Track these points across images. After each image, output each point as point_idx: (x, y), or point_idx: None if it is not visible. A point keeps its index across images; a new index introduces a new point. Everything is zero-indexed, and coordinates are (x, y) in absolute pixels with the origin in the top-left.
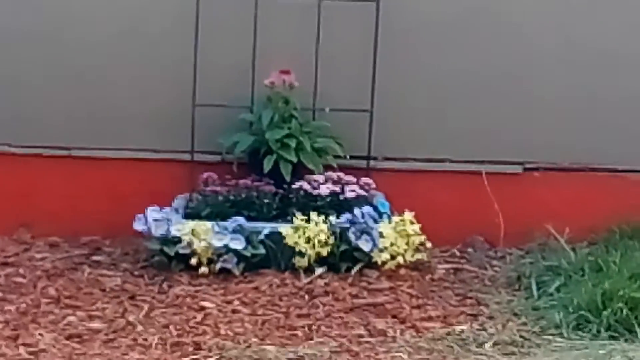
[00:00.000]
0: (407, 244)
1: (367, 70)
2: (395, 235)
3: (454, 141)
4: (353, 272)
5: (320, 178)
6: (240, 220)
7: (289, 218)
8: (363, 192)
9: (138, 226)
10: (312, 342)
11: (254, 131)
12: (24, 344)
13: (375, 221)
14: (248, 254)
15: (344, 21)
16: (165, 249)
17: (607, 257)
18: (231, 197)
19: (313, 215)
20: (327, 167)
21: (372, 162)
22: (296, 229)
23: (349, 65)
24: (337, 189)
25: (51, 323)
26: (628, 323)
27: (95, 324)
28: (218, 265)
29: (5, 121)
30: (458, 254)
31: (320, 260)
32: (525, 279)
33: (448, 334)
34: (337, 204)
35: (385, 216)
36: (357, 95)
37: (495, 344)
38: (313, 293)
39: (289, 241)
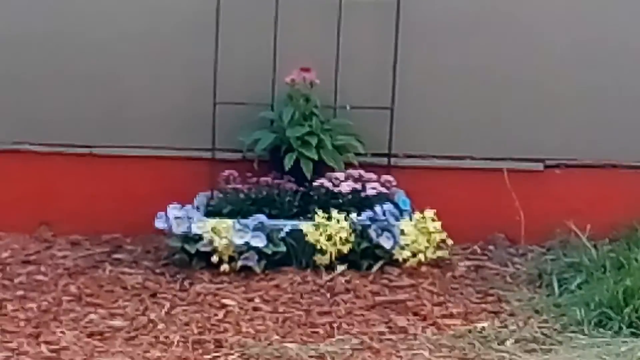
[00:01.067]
0: (428, 241)
1: (388, 67)
2: (417, 232)
3: (475, 138)
4: (374, 269)
5: (341, 175)
6: (262, 217)
7: (310, 216)
8: (384, 190)
9: (159, 224)
10: (333, 339)
11: (275, 129)
12: (45, 342)
13: (397, 219)
14: (269, 251)
15: (365, 19)
16: (187, 246)
17: (629, 254)
18: (252, 195)
19: (334, 212)
20: (348, 165)
21: (393, 160)
22: (317, 226)
23: (370, 62)
24: (358, 186)
25: (72, 321)
26: None
27: (117, 322)
28: (239, 263)
29: (26, 120)
30: (479, 251)
31: (341, 258)
32: (547, 276)
33: (469, 331)
34: (358, 202)
35: (406, 213)
36: (378, 93)
37: (516, 341)
38: (334, 290)
39: (310, 239)
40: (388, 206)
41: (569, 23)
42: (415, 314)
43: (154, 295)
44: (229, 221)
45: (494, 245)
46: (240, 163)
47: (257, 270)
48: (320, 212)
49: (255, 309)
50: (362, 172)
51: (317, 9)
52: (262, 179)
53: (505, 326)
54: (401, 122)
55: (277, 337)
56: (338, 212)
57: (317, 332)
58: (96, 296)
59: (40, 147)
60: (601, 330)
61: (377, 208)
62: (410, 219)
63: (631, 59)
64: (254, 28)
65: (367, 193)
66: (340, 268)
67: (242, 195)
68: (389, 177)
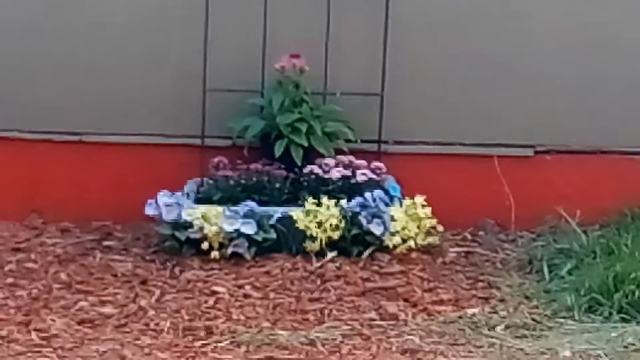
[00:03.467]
0: (418, 227)
1: (378, 54)
2: (407, 218)
3: (465, 124)
4: (364, 256)
5: (331, 162)
6: (252, 204)
7: (300, 202)
8: (374, 176)
9: (149, 211)
10: (323, 326)
11: (265, 115)
12: (35, 329)
13: (387, 205)
14: (259, 238)
15: (354, 5)
16: (177, 233)
17: (619, 240)
18: (242, 182)
19: (324, 199)
20: (338, 151)
21: (383, 146)
22: (307, 213)
23: (360, 49)
24: (348, 172)
25: (63, 308)
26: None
27: (107, 309)
28: (229, 250)
29: (15, 107)
30: (469, 237)
31: (331, 244)
32: (537, 262)
33: (460, 317)
34: (348, 188)
35: (396, 200)
36: (368, 79)
37: (507, 326)
38: (324, 277)
39: (300, 225)
40: (378, 192)
41: (559, 11)
42: (405, 300)
43: (144, 282)
44: (219, 208)
45: (484, 231)
46: (230, 150)
47: (248, 257)
48: (310, 199)
49: (245, 295)
50: (352, 158)
51: None
52: (252, 165)
53: (496, 312)
54: (391, 108)
55: (267, 323)
56: (328, 199)
57: (307, 319)
58: (86, 283)
59: (29, 135)
60: (591, 316)
61: (367, 194)
62: (401, 205)
63: (621, 47)
64: (243, 15)
65: (357, 179)
66: (331, 254)
67: (232, 182)
68: (379, 164)
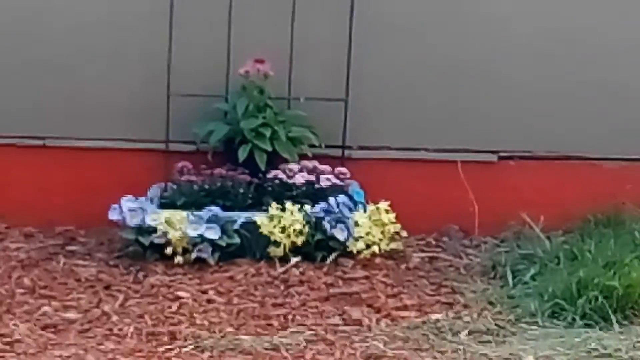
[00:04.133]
0: (382, 233)
1: (342, 59)
2: (371, 224)
3: (429, 130)
4: (328, 261)
5: (295, 167)
6: (215, 209)
7: (264, 207)
8: (338, 181)
9: (113, 216)
10: (287, 331)
11: (229, 120)
12: None
13: (351, 210)
14: (223, 243)
15: (319, 10)
16: (140, 238)
17: (582, 246)
18: (206, 187)
19: (288, 204)
20: (302, 157)
21: (347, 151)
22: (271, 218)
23: (324, 54)
24: (312, 178)
25: (26, 313)
26: (603, 311)
27: (71, 314)
28: (193, 255)
29: None
30: (433, 242)
31: (295, 250)
32: (501, 268)
33: (423, 322)
34: (312, 193)
35: (360, 205)
36: (332, 85)
37: (470, 332)
38: (288, 282)
39: (264, 230)
40: (342, 198)
41: (523, 15)
42: (369, 305)
43: (107, 287)
44: (183, 213)
45: (448, 237)
46: (194, 155)
47: (211, 262)
48: (274, 204)
49: (209, 300)
50: (316, 163)
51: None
52: (216, 170)
53: (459, 317)
54: (355, 113)
55: (231, 329)
56: (292, 204)
57: (271, 324)
58: (50, 288)
59: None
60: (555, 321)
61: (331, 200)
62: (365, 211)
63: (586, 52)
64: (208, 19)
65: (321, 185)
66: (294, 260)
67: (196, 187)
68: (343, 169)
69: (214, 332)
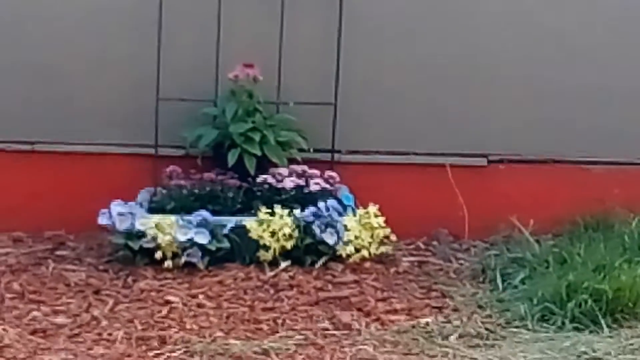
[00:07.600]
0: (371, 237)
1: (331, 63)
2: (360, 228)
3: (419, 134)
4: (318, 265)
5: (284, 171)
6: (205, 214)
7: (253, 212)
8: (327, 186)
9: (102, 221)
10: (277, 335)
11: (218, 125)
12: None
13: (340, 214)
14: (213, 247)
15: (308, 14)
16: (130, 243)
17: (572, 249)
18: (195, 191)
19: (277, 208)
20: (292, 161)
21: (336, 156)
22: (261, 222)
23: (313, 58)
24: (302, 182)
25: (15, 318)
26: (592, 315)
27: (60, 319)
28: (183, 259)
29: None
30: (423, 246)
31: (284, 254)
32: (490, 271)
33: (413, 326)
34: (301, 198)
35: (349, 209)
36: (321, 89)
37: (460, 336)
38: (278, 286)
39: (254, 235)
40: (331, 202)
41: (511, 19)
42: (359, 309)
43: (97, 292)
44: (172, 217)
45: (438, 241)
46: (184, 159)
47: (201, 266)
48: (263, 208)
49: (199, 305)
50: (305, 168)
51: (260, 4)
52: (206, 175)
53: (449, 321)
54: (344, 118)
55: (220, 333)
56: (281, 208)
57: (260, 329)
58: (39, 293)
59: None
60: (544, 325)
61: (321, 204)
62: (354, 215)
63: (575, 56)
64: (196, 23)
65: (311, 189)
66: (284, 264)
67: (185, 192)
68: (332, 173)
69: (204, 336)
